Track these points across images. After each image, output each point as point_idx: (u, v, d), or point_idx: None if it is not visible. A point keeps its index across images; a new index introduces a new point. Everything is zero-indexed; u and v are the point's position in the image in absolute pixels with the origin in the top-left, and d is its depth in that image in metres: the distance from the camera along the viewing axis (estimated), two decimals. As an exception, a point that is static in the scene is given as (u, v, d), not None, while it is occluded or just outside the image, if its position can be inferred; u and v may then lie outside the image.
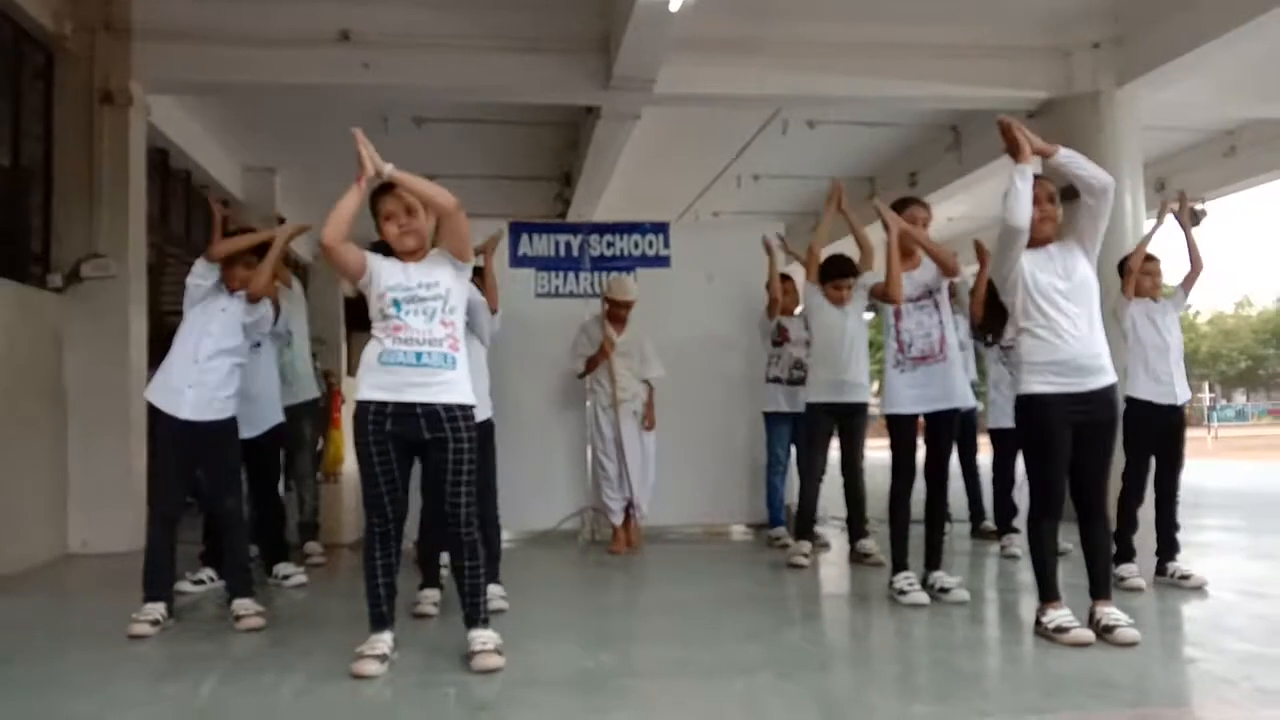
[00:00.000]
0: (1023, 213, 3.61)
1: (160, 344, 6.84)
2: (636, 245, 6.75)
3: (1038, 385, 3.71)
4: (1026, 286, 3.71)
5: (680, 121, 9.04)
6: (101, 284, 6.33)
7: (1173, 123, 9.45)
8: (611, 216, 9.17)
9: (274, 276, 4.99)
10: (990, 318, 4.74)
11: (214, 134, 9.24)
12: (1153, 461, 4.78)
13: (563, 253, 6.79)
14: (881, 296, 4.62)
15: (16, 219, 6.13)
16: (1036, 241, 3.76)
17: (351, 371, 16.34)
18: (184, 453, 4.08)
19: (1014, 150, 3.68)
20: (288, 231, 4.48)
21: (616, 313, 6.06)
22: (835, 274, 5.46)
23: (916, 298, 4.48)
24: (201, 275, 4.16)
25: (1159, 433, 4.69)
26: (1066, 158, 3.65)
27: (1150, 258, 4.84)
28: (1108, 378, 3.74)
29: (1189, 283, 5.03)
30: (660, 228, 6.90)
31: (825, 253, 5.55)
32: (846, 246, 5.63)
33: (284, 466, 5.51)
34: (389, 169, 3.23)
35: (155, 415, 4.11)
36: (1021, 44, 7.44)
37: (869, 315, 5.66)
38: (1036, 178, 3.71)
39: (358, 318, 15.17)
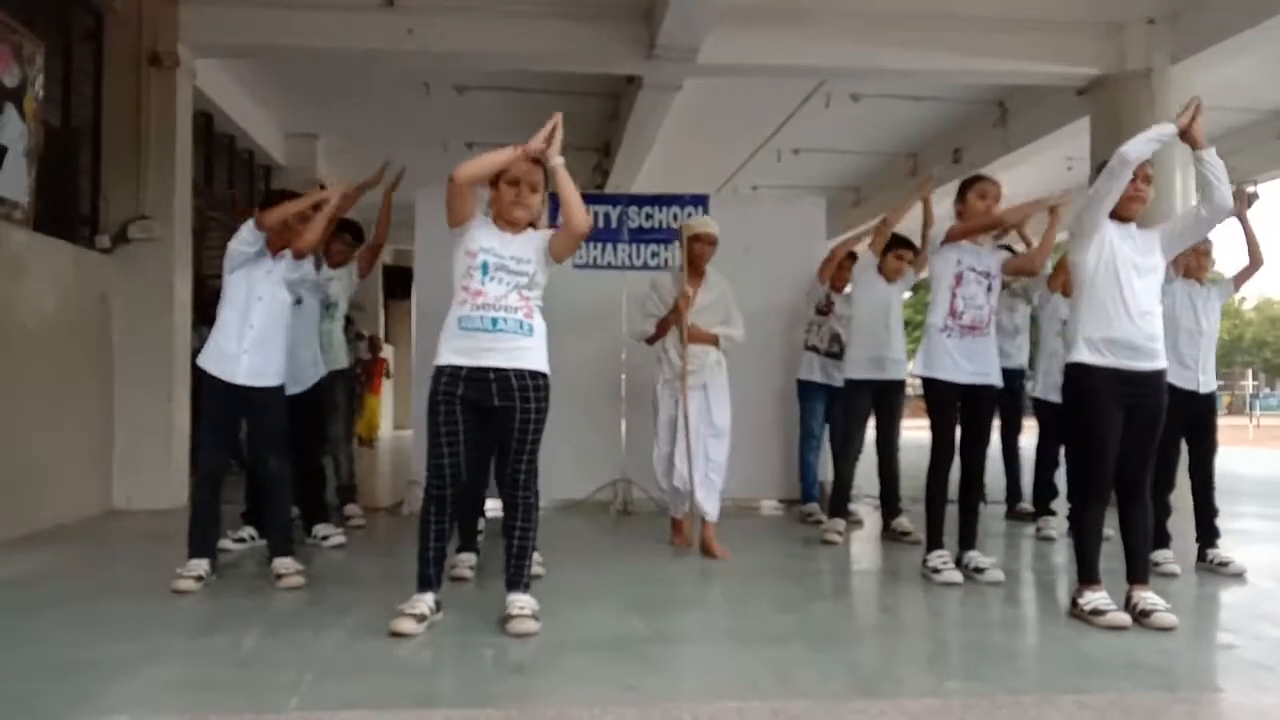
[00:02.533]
0: (1140, 150, 3.58)
1: (201, 308, 7.01)
2: (676, 217, 6.72)
3: (1087, 356, 3.67)
4: (1106, 254, 3.67)
5: (722, 93, 8.97)
6: (147, 246, 6.44)
7: (1223, 102, 9.22)
8: (650, 188, 9.15)
9: (328, 243, 5.08)
10: None
11: (257, 99, 9.32)
12: (1182, 447, 4.72)
13: (601, 224, 6.77)
14: (1020, 269, 4.72)
15: (67, 180, 6.23)
16: (1123, 218, 3.72)
17: (388, 338, 16.52)
18: (231, 414, 4.16)
19: (1181, 116, 3.64)
20: (338, 193, 4.40)
21: (698, 258, 5.00)
22: (899, 244, 5.51)
23: (980, 271, 4.46)
24: (248, 241, 4.17)
25: (1187, 419, 4.60)
26: (1213, 160, 3.61)
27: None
28: (1160, 362, 3.70)
29: (1243, 277, 4.93)
30: (700, 200, 6.86)
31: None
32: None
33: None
34: (559, 161, 3.32)
35: (203, 378, 4.18)
36: (1072, 18, 7.28)
37: (908, 294, 5.65)
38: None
39: (396, 286, 15.37)
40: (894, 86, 9.01)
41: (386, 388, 15.48)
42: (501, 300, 3.34)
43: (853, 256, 6.09)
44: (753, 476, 6.65)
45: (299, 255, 4.25)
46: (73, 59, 6.25)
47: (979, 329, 4.43)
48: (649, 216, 6.86)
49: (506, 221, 3.42)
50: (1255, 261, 4.87)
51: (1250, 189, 11.24)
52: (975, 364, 4.40)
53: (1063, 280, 5.45)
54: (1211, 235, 4.76)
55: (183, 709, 2.50)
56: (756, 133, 10.68)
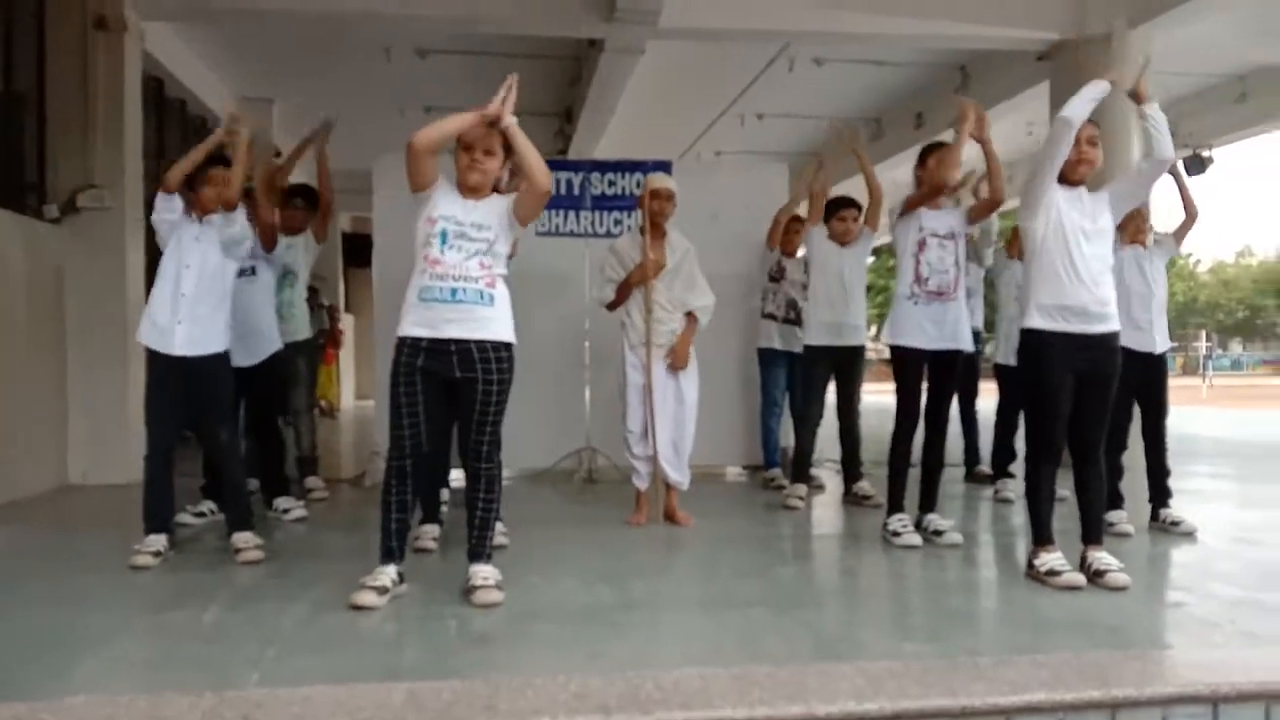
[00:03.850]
0: (1080, 110, 3.60)
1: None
2: (639, 184, 6.67)
3: (1040, 321, 3.71)
4: (1054, 220, 3.69)
5: (685, 57, 8.89)
6: (98, 215, 6.28)
7: (1183, 67, 9.31)
8: (613, 154, 9.07)
9: (280, 210, 4.98)
10: None
11: (210, 63, 9.08)
12: (1134, 409, 4.81)
13: (563, 190, 6.71)
14: (986, 209, 4.65)
15: (10, 146, 6.05)
16: (1071, 182, 3.74)
17: (348, 307, 16.32)
18: (176, 387, 4.06)
19: (1105, 71, 3.72)
20: (245, 135, 4.20)
21: (658, 215, 4.87)
22: (840, 205, 5.51)
23: (943, 234, 4.46)
24: (164, 209, 4.05)
25: (1139, 381, 4.68)
26: (1155, 114, 3.66)
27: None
28: (1112, 325, 3.74)
29: (1182, 232, 5.02)
30: (663, 165, 6.79)
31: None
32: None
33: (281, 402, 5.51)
34: (511, 121, 3.25)
35: (148, 352, 4.09)
36: (1034, -17, 7.30)
37: (870, 259, 5.66)
38: (1087, 120, 3.68)
39: (356, 254, 15.16)
40: (857, 51, 8.99)
41: (346, 358, 15.33)
42: (460, 270, 3.30)
43: (799, 220, 6.10)
44: (716, 443, 6.66)
45: (228, 208, 4.10)
46: (14, 20, 6.05)
47: (946, 294, 4.44)
48: (611, 183, 6.81)
49: (466, 188, 3.38)
50: (1190, 215, 4.96)
51: (1205, 153, 11.37)
52: (942, 329, 4.43)
53: (1019, 248, 5.51)
54: (1148, 198, 4.86)
55: (143, 686, 2.48)
56: (720, 97, 10.62)
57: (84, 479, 6.23)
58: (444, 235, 3.31)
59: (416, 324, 3.33)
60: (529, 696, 2.39)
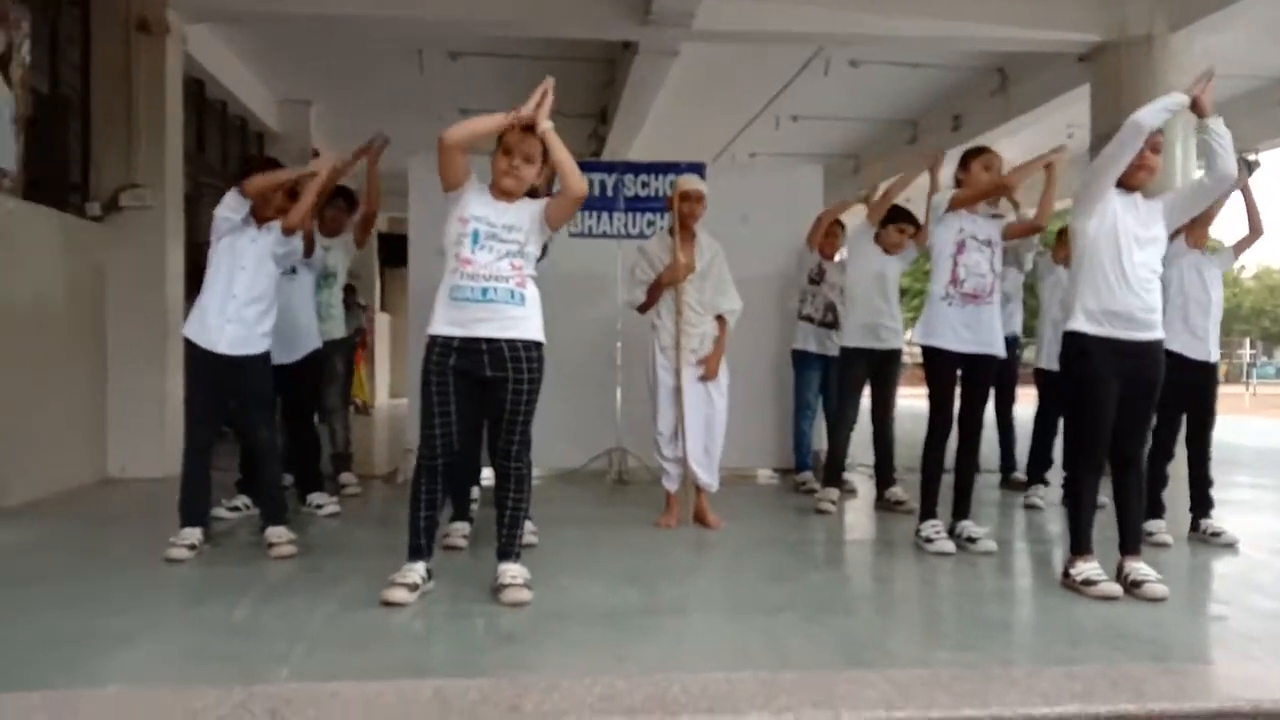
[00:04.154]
0: (1154, 117, 3.52)
1: (196, 275, 6.96)
2: (672, 185, 6.66)
3: (1085, 325, 3.65)
4: (1108, 223, 3.62)
5: (719, 59, 8.87)
6: (139, 214, 6.38)
7: (1224, 70, 9.12)
8: (647, 156, 9.07)
9: (320, 211, 5.05)
10: None
11: (250, 65, 9.21)
12: (1183, 418, 4.72)
13: (597, 192, 6.71)
14: (1023, 231, 4.69)
15: (56, 147, 6.16)
16: (1129, 187, 3.67)
17: (384, 307, 16.46)
18: (217, 384, 4.13)
19: (1195, 83, 3.61)
20: (329, 166, 4.42)
21: (688, 217, 4.85)
22: (901, 217, 5.50)
23: (982, 239, 4.42)
24: (232, 209, 4.12)
25: (1190, 389, 4.59)
26: (1219, 129, 3.56)
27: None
28: (1158, 333, 3.68)
29: (1243, 246, 4.91)
30: (696, 167, 6.78)
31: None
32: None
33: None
34: (547, 126, 3.26)
35: (191, 348, 4.15)
36: (1073, -16, 7.21)
37: (910, 257, 5.63)
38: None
39: (392, 254, 15.28)
40: (893, 53, 8.91)
41: (380, 357, 15.46)
42: (491, 269, 3.31)
43: (840, 223, 6.05)
44: (748, 445, 6.64)
45: (288, 232, 4.20)
46: (60, 24, 6.16)
47: (981, 297, 4.39)
48: (645, 185, 6.81)
49: (500, 190, 3.39)
50: (1255, 230, 4.84)
51: (1252, 157, 11.16)
52: (976, 333, 4.38)
53: (1065, 252, 5.44)
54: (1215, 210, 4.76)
55: (173, 679, 2.51)
56: (755, 99, 10.58)
57: (122, 472, 6.33)
58: (475, 235, 3.32)
59: (448, 323, 3.35)
60: (555, 698, 2.39)
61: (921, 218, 5.45)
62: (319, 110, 10.57)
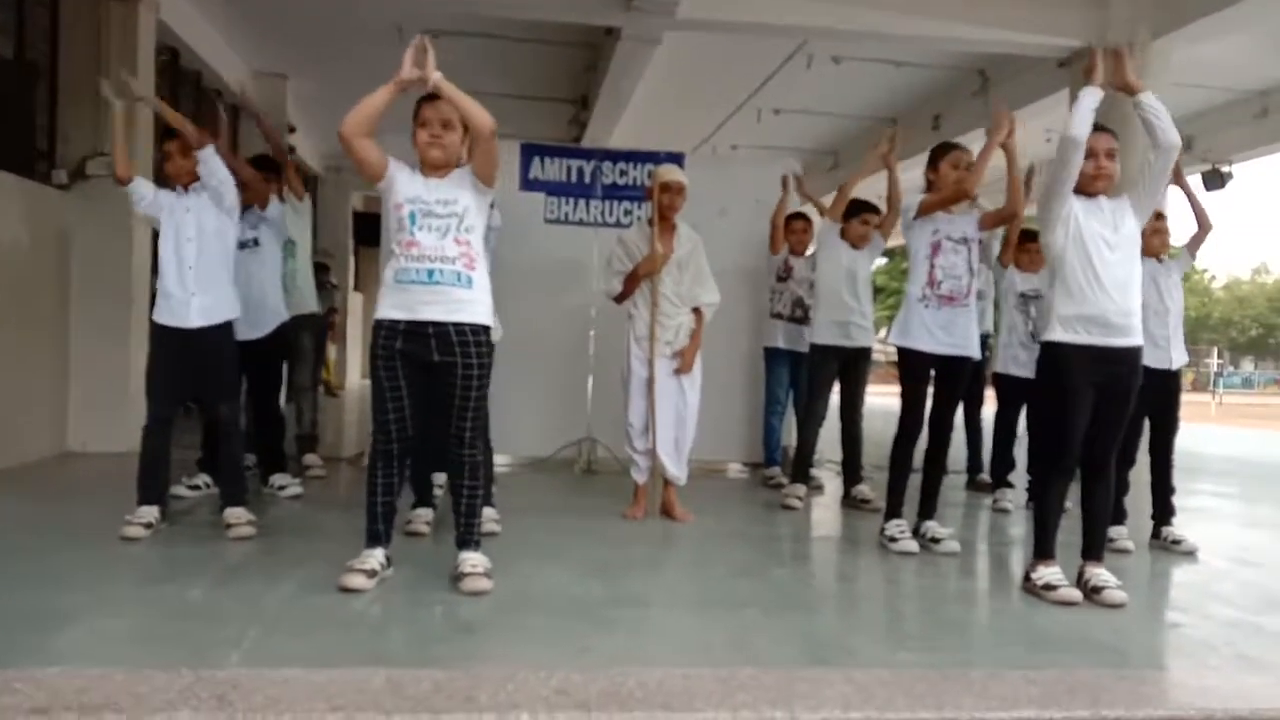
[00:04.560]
0: (1081, 127, 3.51)
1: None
2: (651, 175, 6.63)
3: (1061, 334, 3.64)
4: (1073, 231, 3.62)
5: (703, 49, 8.82)
6: (107, 183, 6.20)
7: (1204, 80, 9.22)
8: (628, 144, 9.02)
9: (269, 178, 4.94)
10: None
11: (225, 36, 9.04)
12: (1145, 425, 4.75)
13: (574, 178, 6.68)
14: (999, 220, 4.57)
15: (22, 113, 6.02)
16: (1089, 194, 3.66)
17: (358, 287, 16.31)
18: (180, 361, 4.05)
19: (1088, 72, 3.60)
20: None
21: (667, 208, 4.81)
22: (862, 208, 5.48)
23: (957, 239, 4.40)
24: (135, 199, 4.09)
25: (1153, 396, 4.60)
26: (1151, 103, 3.54)
27: (1158, 215, 4.69)
28: (1136, 339, 3.67)
29: (1195, 244, 4.94)
30: (675, 158, 6.75)
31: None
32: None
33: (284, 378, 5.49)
34: (436, 76, 3.13)
35: (156, 327, 4.08)
36: (1057, -11, 7.23)
37: (883, 260, 5.62)
38: (1104, 131, 3.61)
39: (367, 233, 15.15)
40: (876, 50, 8.90)
41: (352, 337, 15.33)
42: (437, 250, 3.25)
43: (803, 217, 6.03)
44: (718, 439, 6.62)
45: (199, 147, 4.03)
46: (28, -14, 6.02)
47: (957, 299, 4.38)
48: (623, 173, 6.77)
49: (428, 166, 3.32)
50: (1203, 226, 4.89)
51: (1225, 169, 11.26)
52: (952, 335, 4.36)
53: (1014, 255, 5.49)
54: (1166, 210, 4.79)
55: (121, 661, 2.44)
56: (737, 91, 10.54)
57: (83, 446, 6.23)
58: (413, 217, 3.26)
59: (393, 306, 3.29)
60: (509, 690, 2.36)
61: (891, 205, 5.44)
62: (296, 85, 10.42)
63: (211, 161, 4.06)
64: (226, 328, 4.13)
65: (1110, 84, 3.61)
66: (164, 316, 4.05)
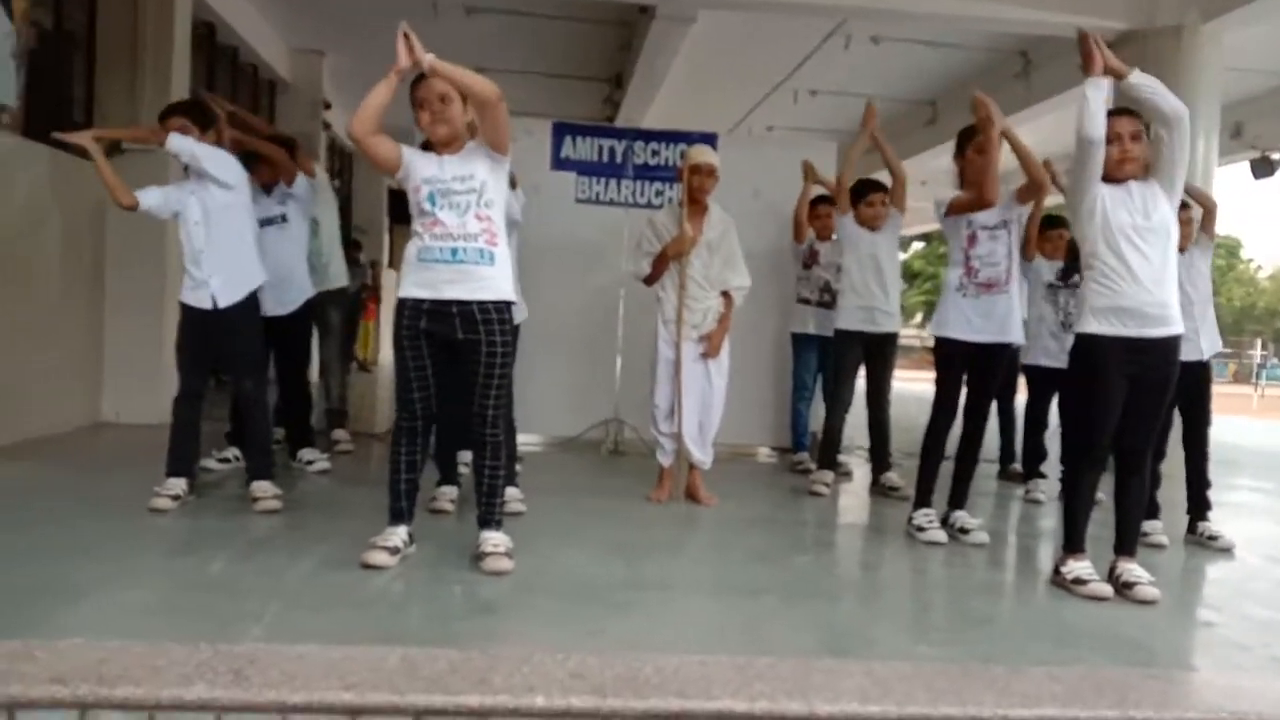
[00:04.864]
0: (1095, 125, 3.42)
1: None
2: (683, 155, 6.57)
3: (1095, 326, 3.55)
4: (1103, 222, 3.53)
5: (738, 28, 8.71)
6: (142, 157, 6.25)
7: (1251, 66, 8.95)
8: (662, 125, 8.95)
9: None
10: (1072, 256, 4.61)
11: (263, 11, 9.08)
12: (1177, 418, 4.64)
13: (605, 158, 6.63)
14: (969, 206, 4.30)
15: (59, 85, 6.07)
16: (1117, 180, 3.56)
17: (393, 264, 16.40)
18: (203, 334, 4.08)
19: (1086, 62, 3.48)
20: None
21: (697, 191, 4.75)
22: (864, 189, 5.40)
23: (993, 225, 4.31)
24: (151, 210, 4.12)
25: (1182, 388, 4.50)
26: (1140, 80, 3.43)
27: (1183, 205, 4.55)
28: (1173, 329, 3.57)
29: (1209, 224, 4.83)
30: (708, 138, 6.67)
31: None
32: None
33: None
34: (429, 59, 3.09)
35: (183, 307, 4.12)
36: (1104, -31, 7.04)
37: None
38: (1125, 113, 3.52)
39: (400, 210, 15.20)
40: (915, 31, 8.75)
41: (385, 314, 15.40)
42: (460, 228, 3.23)
43: (828, 201, 5.95)
44: (747, 423, 6.59)
45: (168, 130, 4.02)
46: (66, -41, 6.06)
47: (996, 286, 4.29)
48: (655, 153, 6.71)
49: (439, 144, 3.30)
50: (1206, 205, 4.79)
51: (1276, 156, 10.97)
52: (990, 321, 4.28)
53: (1039, 245, 5.38)
54: (1190, 202, 4.66)
55: (141, 633, 2.46)
56: (773, 72, 10.42)
57: (116, 417, 6.31)
58: (432, 198, 3.25)
59: (417, 285, 3.28)
60: (525, 672, 2.35)
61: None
62: (332, 61, 10.45)
63: (179, 147, 4.00)
64: (248, 303, 4.14)
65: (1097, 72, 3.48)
66: (188, 297, 4.09)
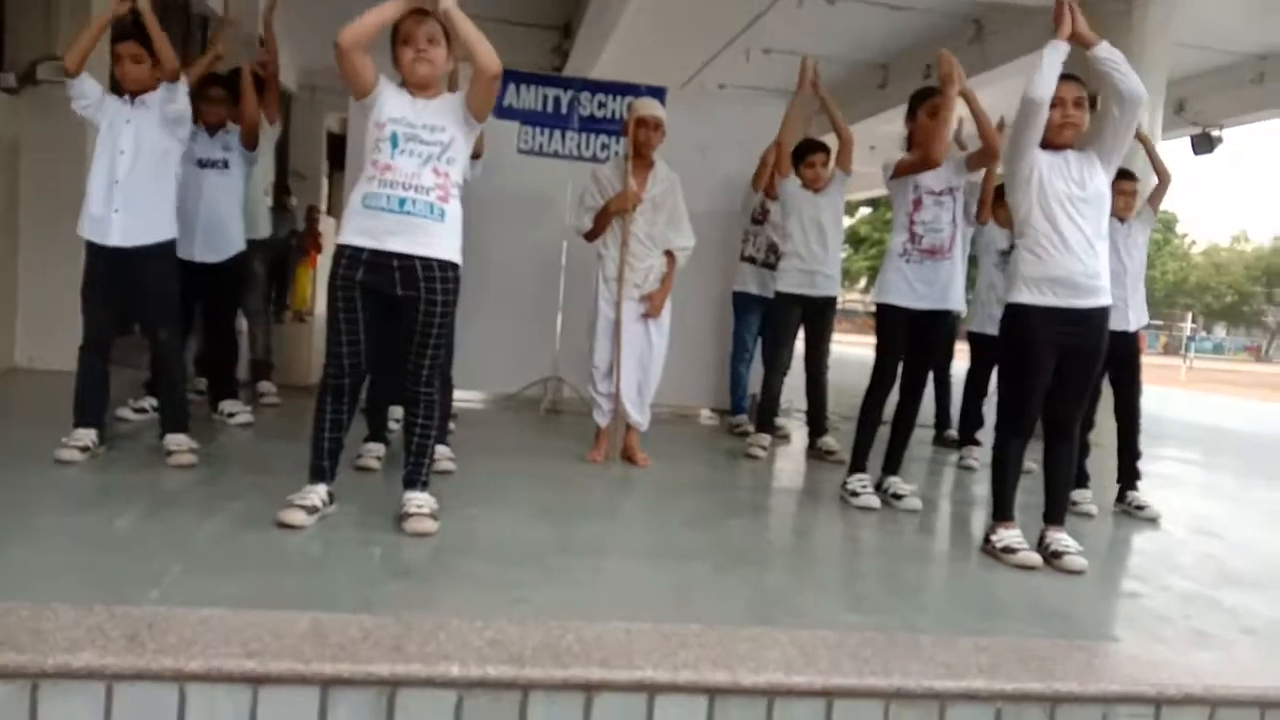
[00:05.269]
0: (1045, 86, 3.37)
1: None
2: (629, 108, 6.41)
3: (1026, 296, 3.53)
4: (1039, 190, 3.49)
5: (692, -19, 8.54)
6: (59, 89, 5.88)
7: (1201, 43, 9.01)
8: (611, 77, 8.74)
9: (251, 99, 4.69)
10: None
11: (194, -63, 8.65)
12: (1107, 389, 4.68)
13: (550, 109, 6.44)
14: (915, 167, 4.20)
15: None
16: (1056, 146, 3.51)
17: (331, 210, 15.96)
18: (115, 280, 3.84)
19: (1057, 23, 3.43)
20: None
21: (644, 145, 4.62)
22: (806, 150, 5.30)
23: (939, 191, 4.26)
24: (75, 95, 3.79)
25: (1111, 358, 4.52)
26: (1107, 54, 3.37)
27: (1125, 174, 4.54)
28: (1102, 299, 3.56)
29: (1157, 197, 4.89)
30: (657, 92, 6.51)
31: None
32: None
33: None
34: (449, 3, 2.94)
35: (88, 243, 3.87)
36: (1061, -64, 6.97)
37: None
38: (1072, 79, 3.46)
39: (340, 154, 14.78)
40: (870, -9, 8.66)
41: (322, 262, 15.03)
42: (414, 178, 3.07)
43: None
44: (687, 384, 6.51)
45: (170, 79, 3.79)
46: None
47: (940, 252, 4.25)
48: (601, 105, 6.53)
49: (415, 85, 3.13)
50: (1163, 178, 4.83)
51: (1215, 133, 11.11)
52: (932, 288, 4.25)
53: (993, 211, 5.33)
54: (1136, 171, 4.69)
55: (28, 594, 2.31)
56: (726, 28, 10.26)
57: (30, 362, 6.03)
58: (395, 139, 3.07)
59: (358, 232, 3.12)
60: (440, 640, 2.25)
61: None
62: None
63: (180, 94, 3.84)
64: (160, 250, 3.89)
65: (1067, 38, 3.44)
66: (86, 231, 3.83)
